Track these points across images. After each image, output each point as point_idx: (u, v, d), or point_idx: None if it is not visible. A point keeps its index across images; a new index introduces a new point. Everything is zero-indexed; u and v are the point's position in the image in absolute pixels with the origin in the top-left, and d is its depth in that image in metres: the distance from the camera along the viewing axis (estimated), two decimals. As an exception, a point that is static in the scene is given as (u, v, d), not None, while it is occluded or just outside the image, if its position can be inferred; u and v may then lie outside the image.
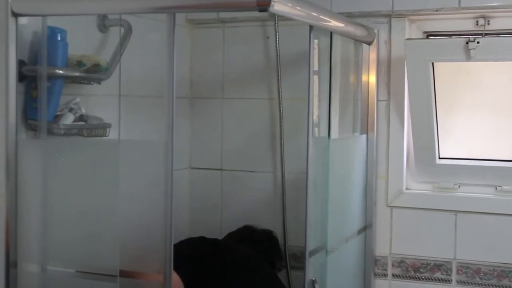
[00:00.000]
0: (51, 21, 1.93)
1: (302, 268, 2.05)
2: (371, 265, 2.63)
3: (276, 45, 2.70)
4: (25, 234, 1.91)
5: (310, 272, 2.04)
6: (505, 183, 2.52)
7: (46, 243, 1.91)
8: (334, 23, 2.14)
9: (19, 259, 1.91)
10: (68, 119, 2.04)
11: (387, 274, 2.64)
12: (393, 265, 2.63)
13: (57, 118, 2.02)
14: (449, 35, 2.55)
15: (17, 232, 1.90)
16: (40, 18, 1.92)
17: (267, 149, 2.80)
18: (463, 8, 2.42)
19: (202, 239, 2.34)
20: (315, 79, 2.09)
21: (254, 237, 2.49)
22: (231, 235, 2.53)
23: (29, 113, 1.97)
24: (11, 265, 1.89)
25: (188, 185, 2.92)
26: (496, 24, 2.45)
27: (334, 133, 2.35)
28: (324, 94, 2.25)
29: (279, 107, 2.72)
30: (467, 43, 2.29)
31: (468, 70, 2.50)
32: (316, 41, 2.07)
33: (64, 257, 1.93)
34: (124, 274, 1.80)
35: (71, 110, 2.07)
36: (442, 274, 2.57)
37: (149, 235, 1.81)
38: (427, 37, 2.60)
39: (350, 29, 2.32)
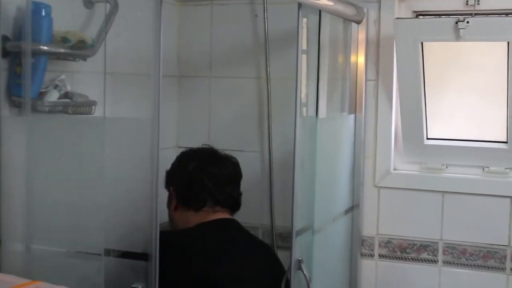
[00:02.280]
0: (36, -4, 1.90)
1: (289, 248, 2.04)
2: (357, 245, 2.63)
3: (265, 23, 2.67)
4: (9, 212, 1.89)
5: (297, 252, 2.03)
6: (492, 164, 2.52)
7: (30, 222, 1.89)
8: (323, 2, 2.12)
9: (3, 238, 1.90)
10: (53, 96, 2.02)
11: (373, 254, 2.65)
12: (379, 245, 2.64)
13: (41, 95, 2.00)
14: (439, 14, 2.53)
15: (1, 210, 1.88)
16: (24, -7, 1.89)
17: (255, 128, 2.78)
18: (453, -12, 2.41)
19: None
20: (303, 58, 2.08)
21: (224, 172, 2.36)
22: (197, 163, 2.36)
23: (13, 90, 1.94)
24: (-5, 244, 1.89)
25: (175, 164, 2.90)
26: (486, 4, 2.44)
27: (322, 113, 2.34)
28: (312, 73, 2.23)
29: (267, 86, 2.70)
30: (456, 22, 2.27)
31: (458, 51, 2.49)
32: (304, 19, 2.05)
33: (49, 236, 1.91)
34: (109, 253, 1.79)
35: (56, 87, 2.04)
36: (428, 254, 2.58)
37: (135, 214, 1.79)
38: (417, 16, 2.58)
39: (339, 7, 2.30)
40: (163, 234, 1.74)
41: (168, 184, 2.33)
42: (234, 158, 2.41)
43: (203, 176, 2.28)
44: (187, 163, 2.33)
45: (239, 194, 2.38)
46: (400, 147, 2.63)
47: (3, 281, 1.58)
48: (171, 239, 2.11)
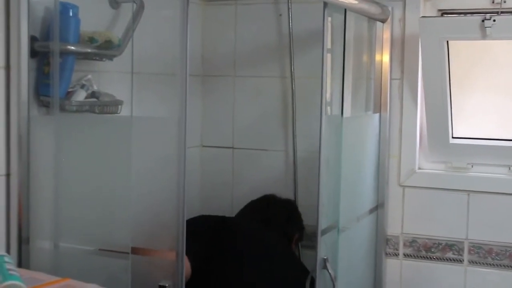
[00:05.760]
0: (63, -3, 1.93)
1: (314, 246, 2.04)
2: (382, 244, 2.63)
3: (289, 22, 2.68)
4: (37, 210, 1.92)
5: (322, 251, 2.04)
6: (518, 164, 2.50)
7: (58, 219, 1.91)
8: (348, 0, 2.12)
9: (31, 236, 1.92)
10: (80, 96, 2.04)
11: (398, 254, 2.64)
12: (404, 244, 2.63)
13: (69, 94, 2.02)
14: (465, 13, 2.52)
15: (30, 208, 1.91)
16: (52, -7, 1.91)
17: (279, 128, 2.79)
18: (479, -14, 2.40)
19: (203, 217, 2.35)
20: (328, 57, 2.07)
21: (269, 209, 2.49)
22: (250, 205, 2.54)
23: (41, 90, 1.96)
24: (23, 241, 1.91)
25: (199, 164, 2.92)
26: (513, 2, 2.42)
27: (347, 112, 2.33)
28: (337, 72, 2.23)
29: (292, 86, 2.71)
30: (482, 21, 2.26)
31: (484, 49, 2.47)
32: (329, 18, 2.05)
33: (77, 234, 1.93)
34: (136, 251, 1.80)
35: (83, 86, 2.06)
36: (453, 254, 2.56)
37: (162, 212, 1.80)
38: (442, 15, 2.57)
39: (364, 6, 2.30)
40: None
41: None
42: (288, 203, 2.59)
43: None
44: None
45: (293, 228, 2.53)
46: (425, 146, 2.62)
47: (33, 278, 1.60)
48: None
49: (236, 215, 2.55)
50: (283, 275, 2.23)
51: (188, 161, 1.76)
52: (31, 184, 1.91)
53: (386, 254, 2.65)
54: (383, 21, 2.53)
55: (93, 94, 2.09)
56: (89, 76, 2.10)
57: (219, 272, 2.13)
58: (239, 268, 2.15)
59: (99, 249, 1.90)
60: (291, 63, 2.69)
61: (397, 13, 2.55)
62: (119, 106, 2.14)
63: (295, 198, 2.72)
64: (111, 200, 1.87)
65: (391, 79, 2.58)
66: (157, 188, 1.84)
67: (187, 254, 2.00)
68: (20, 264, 1.88)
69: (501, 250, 2.51)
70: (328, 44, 2.05)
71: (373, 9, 2.37)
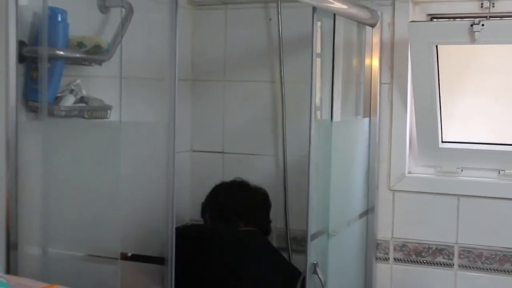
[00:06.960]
0: (52, 1, 1.91)
1: (304, 251, 2.04)
2: (372, 249, 2.63)
3: (279, 27, 2.67)
4: (26, 216, 1.90)
5: (312, 256, 2.03)
6: (508, 167, 2.51)
7: (47, 225, 1.90)
8: (338, 5, 2.12)
9: (19, 241, 1.90)
10: (69, 101, 2.03)
11: (388, 258, 2.64)
12: (394, 249, 2.63)
13: (57, 99, 2.01)
14: (454, 17, 2.53)
15: (18, 214, 1.89)
16: (40, -2, 1.90)
17: (269, 132, 2.79)
18: (468, -10, 2.41)
19: (186, 227, 2.34)
20: (317, 61, 2.08)
21: (256, 212, 2.48)
22: (226, 192, 2.51)
23: (29, 95, 1.95)
24: (11, 247, 1.89)
25: (189, 168, 2.91)
26: (501, 6, 2.43)
27: (337, 116, 2.33)
28: (326, 77, 2.23)
29: (281, 90, 2.70)
30: (471, 25, 2.26)
31: (473, 53, 2.48)
32: (319, 23, 2.05)
33: (65, 240, 1.92)
34: (125, 256, 1.79)
35: (71, 91, 2.05)
36: (444, 258, 2.57)
37: (151, 218, 1.80)
38: (431, 19, 2.57)
39: (354, 11, 2.30)
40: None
41: (203, 215, 2.48)
42: (264, 189, 2.51)
43: (234, 203, 2.43)
44: (218, 195, 2.46)
45: (269, 221, 2.49)
46: (415, 150, 2.62)
47: (21, 284, 1.59)
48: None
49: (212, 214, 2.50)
50: (276, 281, 2.22)
51: (178, 166, 1.76)
52: (19, 190, 1.89)
53: (377, 258, 2.65)
54: (372, 25, 2.53)
55: (82, 99, 2.08)
56: (78, 81, 2.09)
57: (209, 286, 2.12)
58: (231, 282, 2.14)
59: (88, 255, 1.89)
60: (281, 67, 2.69)
61: (387, 18, 2.56)
62: (108, 111, 2.13)
63: (285, 202, 2.71)
64: (100, 205, 1.87)
65: (380, 83, 2.59)
66: (147, 193, 1.84)
67: None
68: (8, 271, 1.87)
69: (491, 254, 2.51)
70: (317, 48, 2.06)
71: (362, 14, 2.38)
